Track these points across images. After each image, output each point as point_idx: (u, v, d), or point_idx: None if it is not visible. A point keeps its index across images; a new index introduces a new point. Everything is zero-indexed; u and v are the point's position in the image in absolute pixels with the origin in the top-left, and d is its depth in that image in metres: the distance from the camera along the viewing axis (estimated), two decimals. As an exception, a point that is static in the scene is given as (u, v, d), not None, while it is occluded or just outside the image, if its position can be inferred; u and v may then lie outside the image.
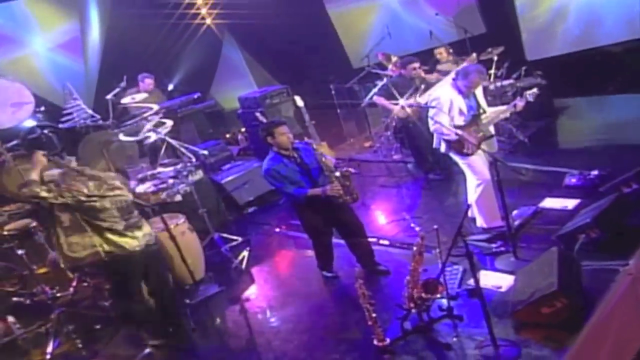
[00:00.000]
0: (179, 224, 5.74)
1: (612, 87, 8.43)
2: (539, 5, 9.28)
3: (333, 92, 9.17)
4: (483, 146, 5.48)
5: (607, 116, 7.98)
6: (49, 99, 8.91)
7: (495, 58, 7.83)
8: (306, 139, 5.34)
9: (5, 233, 4.92)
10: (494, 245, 5.30)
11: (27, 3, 9.68)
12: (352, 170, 5.21)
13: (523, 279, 4.49)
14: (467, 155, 5.48)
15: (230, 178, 7.52)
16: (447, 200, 6.53)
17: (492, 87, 7.86)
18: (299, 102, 7.80)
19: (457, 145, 5.48)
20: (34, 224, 5.04)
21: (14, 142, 6.20)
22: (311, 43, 11.21)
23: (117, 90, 7.36)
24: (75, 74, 10.00)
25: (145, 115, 6.26)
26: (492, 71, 7.81)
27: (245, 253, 6.31)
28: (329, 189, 4.95)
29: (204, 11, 11.79)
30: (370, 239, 5.61)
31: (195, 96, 8.25)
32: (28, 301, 5.13)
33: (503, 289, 4.65)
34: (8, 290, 5.15)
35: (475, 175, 5.54)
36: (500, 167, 4.89)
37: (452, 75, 5.74)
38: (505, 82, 8.08)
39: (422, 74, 7.24)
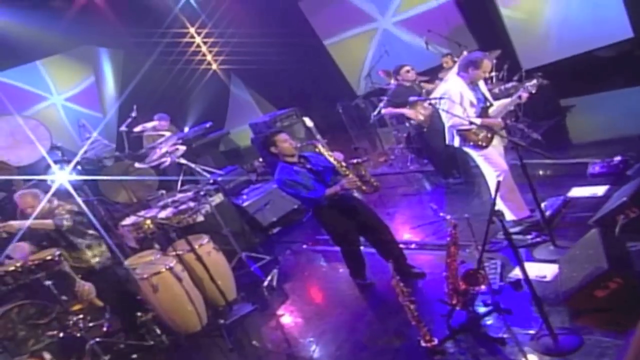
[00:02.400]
0: (204, 244, 5.44)
1: (613, 83, 8.22)
2: (527, 17, 9.23)
3: (340, 110, 8.95)
4: (495, 139, 5.23)
5: (615, 109, 7.71)
6: (73, 149, 8.69)
7: (494, 61, 7.63)
8: (312, 140, 5.01)
9: (30, 264, 4.59)
10: (529, 236, 4.97)
11: (46, 62, 9.74)
12: (362, 159, 4.92)
13: (568, 265, 4.14)
14: (483, 147, 5.19)
15: (251, 201, 7.23)
16: (472, 202, 6.23)
17: (496, 90, 7.64)
18: (309, 122, 7.61)
19: (473, 137, 5.18)
20: (58, 252, 4.73)
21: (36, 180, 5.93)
22: (314, 76, 11.13)
23: (128, 120, 7.15)
24: (94, 124, 9.88)
25: (159, 141, 6.00)
26: (493, 74, 7.59)
27: (275, 271, 5.97)
28: (345, 182, 4.64)
29: (209, 57, 11.85)
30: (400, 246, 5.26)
31: (207, 125, 8.03)
32: (62, 334, 4.78)
33: (548, 278, 4.30)
34: (40, 324, 4.82)
35: (492, 167, 5.23)
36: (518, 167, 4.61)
37: (455, 69, 5.49)
38: (509, 85, 7.86)
39: (416, 77, 7.06)
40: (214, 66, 11.98)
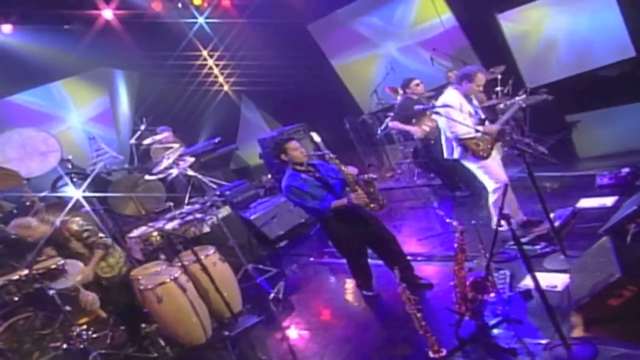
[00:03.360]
0: (210, 254, 5.23)
1: (617, 100, 8.02)
2: (529, 36, 9.12)
3: (347, 126, 8.78)
4: (494, 150, 5.13)
5: (621, 124, 7.51)
6: (83, 161, 8.60)
7: (499, 76, 7.45)
8: (322, 151, 4.82)
9: (34, 272, 4.40)
10: (538, 246, 4.74)
11: (63, 84, 9.68)
12: (374, 176, 4.66)
13: (579, 274, 3.88)
14: (483, 158, 5.05)
15: (258, 214, 7.02)
16: (479, 213, 5.96)
17: (501, 105, 7.44)
18: (316, 137, 7.37)
19: (475, 147, 5.04)
20: (62, 261, 4.54)
21: (45, 193, 5.78)
22: (323, 96, 11.00)
23: (138, 133, 7.03)
24: (109, 144, 9.82)
25: (166, 153, 5.85)
26: (499, 88, 7.42)
27: (281, 283, 5.75)
28: (353, 197, 4.45)
29: (221, 79, 11.84)
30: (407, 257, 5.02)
31: (216, 140, 7.89)
32: (65, 345, 4.57)
33: (559, 288, 4.06)
34: (45, 335, 4.62)
35: (492, 179, 5.10)
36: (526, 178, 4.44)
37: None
38: (514, 100, 7.66)
39: (424, 92, 6.92)
40: (226, 87, 11.88)
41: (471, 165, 5.22)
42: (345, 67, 11.17)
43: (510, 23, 9.28)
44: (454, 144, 5.18)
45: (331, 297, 5.42)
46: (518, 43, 9.28)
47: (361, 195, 4.45)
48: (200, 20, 10.92)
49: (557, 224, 4.88)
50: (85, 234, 4.84)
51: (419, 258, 5.37)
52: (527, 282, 4.18)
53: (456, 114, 4.98)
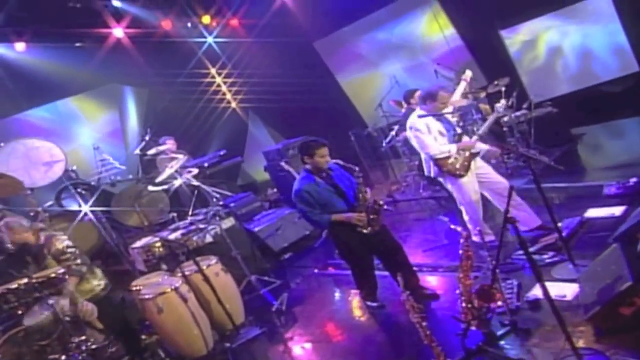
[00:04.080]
0: (212, 264, 5.04)
1: (621, 113, 7.88)
2: (533, 52, 9.08)
3: (353, 139, 8.64)
4: (472, 166, 5.03)
5: (627, 136, 7.39)
6: (87, 171, 8.47)
7: (503, 89, 7.30)
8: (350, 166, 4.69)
9: (34, 281, 4.25)
10: (546, 256, 4.53)
11: (74, 100, 9.67)
12: (385, 205, 4.59)
13: (589, 283, 3.70)
14: (461, 176, 4.96)
15: (263, 226, 6.85)
16: (486, 224, 5.76)
17: (506, 118, 7.31)
18: (322, 151, 7.24)
19: (450, 168, 4.96)
20: (62, 270, 4.39)
21: (50, 203, 5.65)
22: (328, 111, 10.94)
23: (142, 144, 6.92)
24: (117, 159, 9.73)
25: (170, 163, 5.73)
26: (502, 101, 7.24)
27: (284, 295, 5.55)
28: (354, 218, 4.40)
29: (229, 96, 11.81)
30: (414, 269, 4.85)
31: (222, 153, 7.78)
32: (64, 357, 4.38)
33: (569, 297, 3.85)
34: (45, 347, 4.44)
35: (463, 197, 5.04)
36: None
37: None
38: (518, 113, 7.54)
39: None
40: (233, 104, 11.84)
41: (446, 183, 5.18)
42: (351, 83, 11.14)
43: (513, 39, 9.25)
44: (431, 163, 5.10)
45: (335, 309, 5.22)
46: (521, 58, 9.24)
47: (362, 219, 4.40)
48: (209, 39, 10.96)
49: (564, 233, 4.70)
50: (64, 257, 4.65)
51: (425, 269, 5.19)
52: (536, 292, 3.98)
53: (424, 136, 4.95)
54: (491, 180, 5.09)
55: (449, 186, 5.18)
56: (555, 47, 8.90)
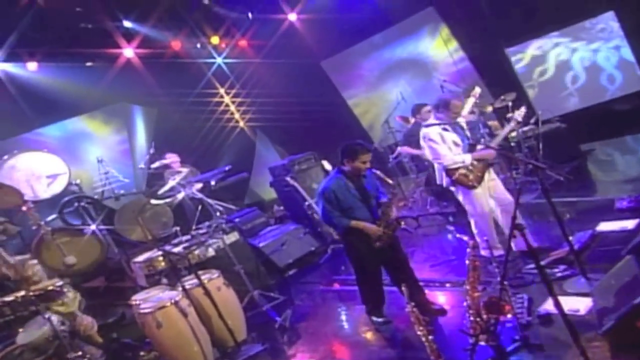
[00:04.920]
0: (213, 278, 4.85)
1: (630, 129, 7.75)
2: (540, 69, 9.04)
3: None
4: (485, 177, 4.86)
5: (639, 152, 7.14)
6: (90, 184, 8.37)
7: (510, 104, 7.15)
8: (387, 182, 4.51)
9: (31, 294, 4.09)
10: (557, 270, 4.32)
11: (84, 118, 9.55)
12: (403, 224, 4.55)
13: (603, 296, 3.49)
14: (473, 188, 4.77)
15: (267, 242, 6.66)
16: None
17: (514, 133, 7.15)
18: (327, 165, 7.16)
19: (463, 179, 4.78)
20: (60, 282, 4.23)
21: (53, 216, 5.53)
22: (335, 127, 10.80)
23: (146, 157, 6.81)
24: (125, 177, 9.69)
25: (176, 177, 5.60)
26: (522, 109, 7.08)
27: (288, 311, 5.33)
28: (370, 230, 4.29)
29: (237, 115, 11.74)
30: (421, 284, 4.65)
31: (227, 168, 7.64)
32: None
33: (582, 312, 3.64)
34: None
35: (475, 209, 4.86)
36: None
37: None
38: (526, 128, 7.40)
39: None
40: (241, 124, 11.71)
41: (457, 194, 5.01)
42: (357, 101, 11.08)
43: (519, 57, 9.20)
44: (443, 173, 4.95)
45: (340, 325, 5.00)
46: (528, 76, 9.16)
47: (378, 232, 4.29)
48: (219, 60, 10.89)
49: (576, 247, 4.49)
50: (33, 285, 4.51)
51: (432, 284, 4.97)
52: (547, 307, 3.78)
53: (438, 146, 4.80)
54: (498, 193, 4.90)
55: (460, 197, 5.00)
56: (562, 65, 8.83)
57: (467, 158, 4.77)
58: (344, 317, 5.11)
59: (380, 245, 4.31)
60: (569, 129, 7.65)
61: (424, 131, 4.97)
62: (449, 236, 6.19)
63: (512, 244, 4.69)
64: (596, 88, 8.54)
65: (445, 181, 4.96)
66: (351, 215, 4.33)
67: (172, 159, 7.14)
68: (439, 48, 9.85)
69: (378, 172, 4.51)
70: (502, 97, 7.34)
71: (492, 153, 4.85)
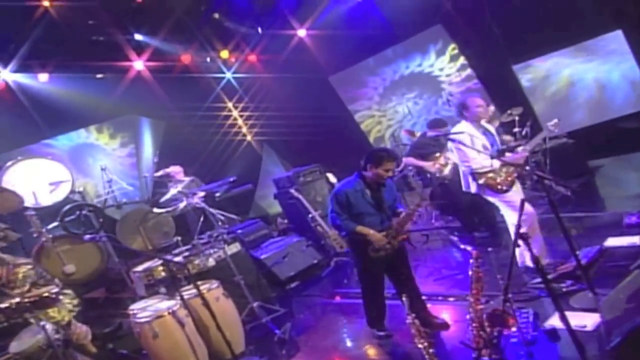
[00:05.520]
0: (212, 288, 4.73)
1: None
2: (547, 87, 8.95)
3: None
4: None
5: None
6: (93, 191, 8.38)
7: (517, 118, 7.03)
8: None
9: (26, 300, 3.99)
10: (563, 284, 4.16)
11: (91, 129, 9.59)
12: (407, 237, 4.39)
13: (611, 311, 3.32)
14: (503, 191, 4.58)
15: (269, 254, 6.52)
16: (499, 253, 5.40)
17: (520, 148, 7.00)
18: (332, 178, 7.06)
19: (491, 182, 4.61)
20: (56, 289, 4.13)
21: (55, 224, 5.45)
22: (341, 140, 10.74)
23: (150, 166, 6.72)
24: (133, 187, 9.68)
25: (178, 186, 5.50)
26: (516, 129, 6.99)
27: (288, 324, 5.18)
28: (375, 238, 4.15)
29: (244, 129, 11.71)
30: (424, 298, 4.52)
31: (232, 179, 7.53)
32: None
33: (589, 328, 3.50)
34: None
35: (515, 212, 4.46)
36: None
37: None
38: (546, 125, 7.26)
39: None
40: (249, 137, 11.69)
41: (492, 199, 4.79)
42: (364, 115, 11.03)
43: (526, 74, 9.10)
44: (470, 178, 4.75)
45: (340, 338, 4.83)
46: (535, 93, 9.06)
47: (381, 242, 4.16)
48: (228, 75, 10.89)
49: (583, 262, 4.31)
50: (11, 289, 4.42)
51: (434, 298, 4.82)
52: (553, 322, 3.62)
53: (467, 149, 4.61)
54: None
55: (495, 202, 4.79)
56: (570, 82, 8.74)
57: (495, 162, 4.61)
58: (344, 331, 4.94)
59: (381, 255, 4.16)
60: (576, 145, 7.53)
61: (453, 135, 4.77)
62: (455, 253, 6.01)
63: (518, 259, 4.64)
64: (604, 105, 8.44)
65: (473, 186, 4.77)
66: (361, 221, 4.20)
67: (174, 169, 7.06)
68: (447, 65, 9.80)
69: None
70: (509, 112, 7.23)
71: (521, 158, 4.71)
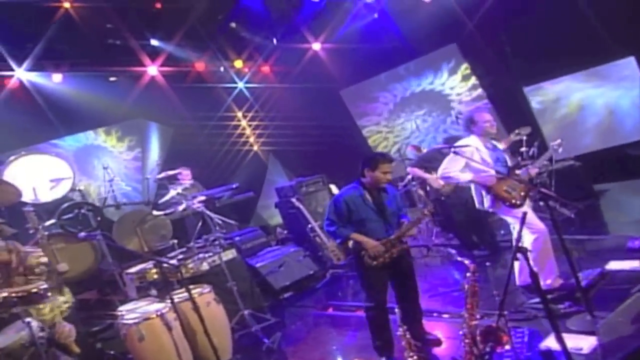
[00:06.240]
0: (204, 293, 4.60)
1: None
2: (557, 110, 8.85)
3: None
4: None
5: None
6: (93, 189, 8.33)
7: (525, 138, 6.88)
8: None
9: (14, 295, 3.87)
10: (561, 306, 3.99)
11: (100, 131, 9.53)
12: (407, 248, 4.11)
13: (608, 334, 3.14)
14: (517, 206, 4.38)
15: (265, 262, 6.37)
16: (496, 272, 5.23)
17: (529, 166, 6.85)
18: (335, 190, 6.93)
19: (506, 195, 4.42)
20: (45, 285, 4.02)
21: (52, 222, 5.36)
22: (346, 153, 10.59)
23: (153, 168, 6.63)
24: (135, 190, 9.60)
25: (178, 187, 5.40)
26: (523, 149, 6.83)
27: (278, 334, 5.02)
28: (370, 245, 3.86)
29: (252, 139, 11.66)
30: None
31: (234, 186, 7.42)
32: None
33: (585, 351, 3.33)
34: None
35: (529, 229, 4.33)
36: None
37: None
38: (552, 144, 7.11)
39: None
40: (256, 147, 11.61)
41: (505, 217, 4.62)
42: (372, 130, 10.96)
43: (537, 96, 9.01)
44: (483, 192, 4.59)
45: (329, 351, 4.62)
46: (544, 115, 8.96)
47: (377, 249, 3.86)
48: (240, 85, 10.83)
49: (584, 283, 4.14)
50: (32, 275, 4.31)
51: (429, 314, 4.60)
52: (549, 343, 3.45)
53: (455, 160, 4.53)
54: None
55: (509, 219, 4.61)
56: (580, 106, 8.64)
57: (467, 176, 4.51)
58: (334, 343, 4.74)
59: (378, 264, 3.87)
60: (583, 168, 7.36)
61: (458, 145, 4.65)
62: (453, 271, 5.82)
63: (517, 276, 4.48)
64: (612, 131, 8.31)
65: (486, 201, 4.57)
66: (363, 227, 3.95)
67: (184, 171, 6.97)
68: (458, 84, 9.72)
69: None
70: (517, 131, 7.06)
71: (532, 173, 4.61)
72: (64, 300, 4.59)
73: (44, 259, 4.39)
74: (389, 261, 3.91)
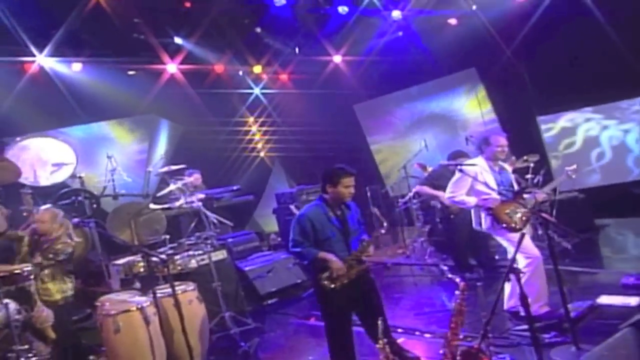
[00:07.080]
0: (187, 290, 4.47)
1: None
2: (568, 139, 8.79)
3: (369, 194, 8.04)
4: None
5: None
6: (94, 178, 8.12)
7: (532, 165, 6.71)
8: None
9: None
10: (547, 335, 3.83)
11: (109, 124, 9.43)
12: (367, 266, 3.82)
13: (591, 369, 2.96)
14: (516, 230, 4.24)
15: (254, 267, 6.24)
16: (488, 297, 5.01)
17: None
18: (334, 200, 6.73)
19: (507, 219, 4.31)
20: (29, 267, 3.93)
21: (47, 206, 5.28)
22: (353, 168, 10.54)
23: (156, 162, 6.55)
24: (138, 185, 9.54)
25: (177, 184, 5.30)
26: (529, 176, 6.65)
27: (256, 339, 4.88)
28: (336, 267, 3.58)
29: (260, 144, 11.60)
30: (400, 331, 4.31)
31: (235, 188, 7.29)
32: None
33: (566, 383, 3.11)
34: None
35: (523, 253, 4.19)
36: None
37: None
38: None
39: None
40: (262, 153, 11.52)
41: (501, 239, 4.52)
42: (380, 147, 10.93)
43: (549, 126, 8.96)
44: (483, 213, 4.47)
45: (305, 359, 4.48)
46: (555, 146, 8.89)
47: (343, 270, 3.60)
48: (256, 90, 10.73)
49: (572, 314, 3.95)
50: (49, 260, 4.29)
51: (411, 332, 4.49)
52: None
53: (476, 184, 4.41)
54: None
55: (504, 242, 4.49)
56: (590, 140, 8.56)
57: (472, 200, 4.43)
58: (312, 353, 4.57)
59: (337, 286, 3.61)
60: (585, 201, 7.19)
61: (467, 165, 4.57)
62: (441, 293, 5.61)
63: (506, 300, 4.32)
64: (620, 168, 8.22)
65: (486, 222, 4.45)
66: (328, 247, 3.68)
67: (195, 174, 6.89)
68: (473, 108, 9.63)
69: (376, 210, 4.02)
70: (525, 157, 6.90)
71: (539, 198, 4.62)
72: (69, 287, 4.52)
73: (70, 249, 4.37)
74: (348, 285, 3.64)
